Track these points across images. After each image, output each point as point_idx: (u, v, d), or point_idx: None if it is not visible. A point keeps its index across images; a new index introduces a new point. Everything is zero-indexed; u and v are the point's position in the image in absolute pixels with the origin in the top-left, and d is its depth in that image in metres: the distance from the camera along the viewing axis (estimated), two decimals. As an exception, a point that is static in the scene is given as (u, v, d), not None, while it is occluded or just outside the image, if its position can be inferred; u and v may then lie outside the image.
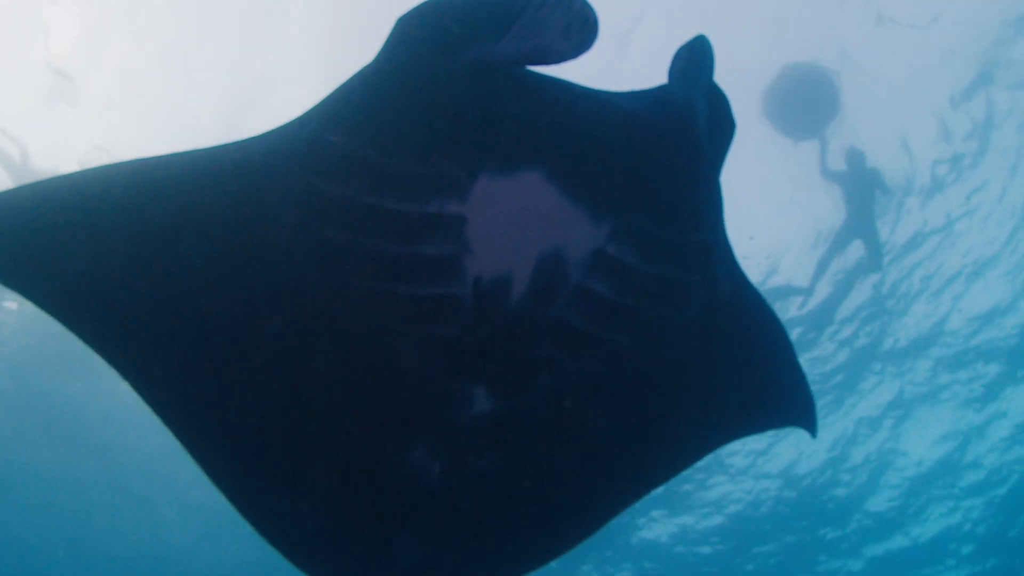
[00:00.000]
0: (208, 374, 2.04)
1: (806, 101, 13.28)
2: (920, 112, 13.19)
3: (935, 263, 13.79)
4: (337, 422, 2.04)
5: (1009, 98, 12.77)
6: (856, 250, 13.93)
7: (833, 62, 13.13)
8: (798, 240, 14.23)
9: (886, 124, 13.43)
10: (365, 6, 12.53)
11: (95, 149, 13.77)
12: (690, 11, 12.28)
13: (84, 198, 1.98)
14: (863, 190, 13.52)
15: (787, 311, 14.29)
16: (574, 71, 1.79)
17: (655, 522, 17.16)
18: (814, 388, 2.60)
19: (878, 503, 16.81)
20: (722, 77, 1.92)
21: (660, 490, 15.87)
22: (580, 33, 1.66)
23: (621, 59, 12.80)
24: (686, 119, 1.78)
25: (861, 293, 14.27)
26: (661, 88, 1.88)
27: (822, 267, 14.15)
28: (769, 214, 13.46)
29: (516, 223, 1.81)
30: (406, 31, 1.85)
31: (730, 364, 2.28)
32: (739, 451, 15.56)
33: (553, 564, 2.45)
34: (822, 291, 14.30)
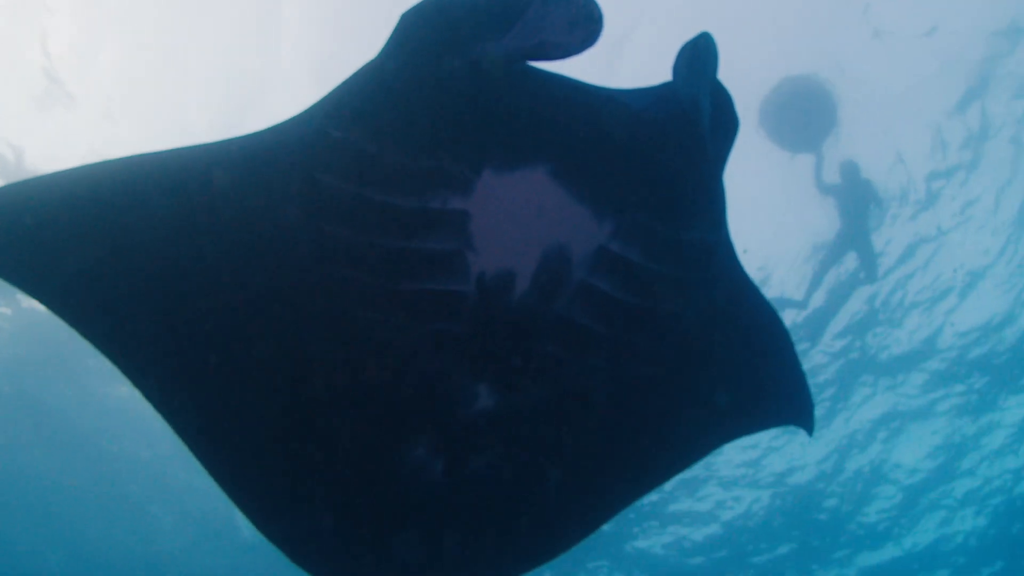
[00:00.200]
0: (210, 370, 2.03)
1: (804, 115, 13.23)
2: (915, 124, 13.23)
3: (930, 275, 13.82)
4: (340, 419, 2.03)
5: (1003, 110, 12.82)
6: (851, 262, 13.94)
7: (829, 75, 13.17)
8: (791, 252, 14.24)
9: (881, 136, 13.46)
10: (362, 8, 12.56)
11: (91, 153, 13.75)
12: (685, 23, 12.31)
13: (87, 192, 1.97)
14: (858, 202, 13.51)
15: (781, 323, 14.24)
16: (571, 73, 1.79)
17: (649, 532, 17.11)
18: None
19: (870, 514, 16.80)
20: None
21: (654, 497, 15.81)
22: (585, 28, 1.67)
23: (614, 69, 12.82)
24: (691, 116, 1.78)
25: (855, 304, 14.28)
26: (665, 85, 1.88)
27: (817, 280, 14.14)
28: (764, 227, 13.45)
29: (520, 219, 1.81)
30: (410, 27, 1.84)
31: (731, 362, 2.28)
32: (732, 460, 15.54)
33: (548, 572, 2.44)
34: (816, 303, 14.30)
